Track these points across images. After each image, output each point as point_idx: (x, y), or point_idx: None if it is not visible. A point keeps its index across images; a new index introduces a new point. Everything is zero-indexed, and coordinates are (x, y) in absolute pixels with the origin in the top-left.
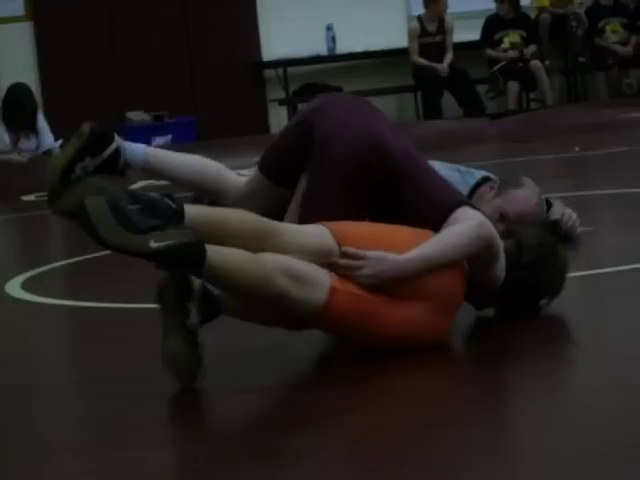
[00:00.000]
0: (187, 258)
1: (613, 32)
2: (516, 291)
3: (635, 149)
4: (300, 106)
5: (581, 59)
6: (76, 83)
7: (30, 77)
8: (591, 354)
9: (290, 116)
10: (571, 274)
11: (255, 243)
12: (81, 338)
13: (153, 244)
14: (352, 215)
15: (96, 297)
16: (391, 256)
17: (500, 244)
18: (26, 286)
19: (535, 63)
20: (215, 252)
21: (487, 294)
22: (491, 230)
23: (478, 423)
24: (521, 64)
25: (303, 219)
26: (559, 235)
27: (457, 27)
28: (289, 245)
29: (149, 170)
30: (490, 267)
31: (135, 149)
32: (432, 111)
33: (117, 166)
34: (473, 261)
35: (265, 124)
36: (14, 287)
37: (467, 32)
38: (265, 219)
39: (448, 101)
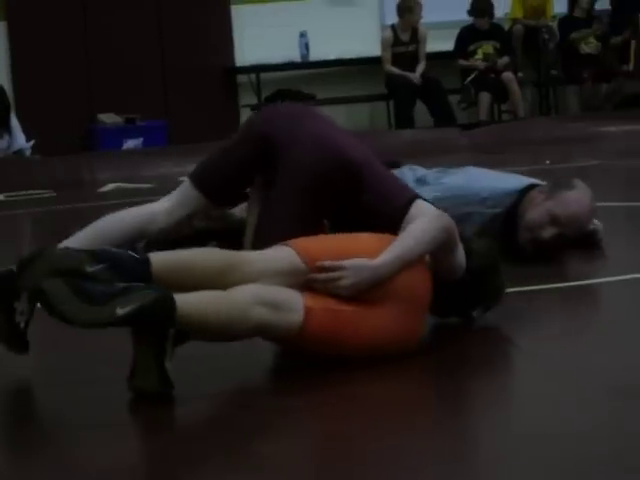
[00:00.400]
0: (157, 317)
1: (586, 44)
2: (452, 290)
3: (605, 162)
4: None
5: (553, 72)
6: (49, 84)
7: (2, 77)
8: (553, 364)
9: None
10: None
11: (225, 278)
12: (44, 341)
13: (119, 311)
14: (313, 224)
15: None
16: (366, 262)
17: (457, 231)
18: None
19: (507, 75)
20: (184, 303)
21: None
22: (449, 219)
23: (440, 432)
24: (493, 75)
25: (264, 233)
26: (594, 242)
27: (431, 37)
28: (260, 273)
29: None
30: (452, 254)
31: None
32: (404, 120)
33: None
34: (437, 252)
35: (236, 129)
36: None
37: (440, 42)
38: (231, 252)
39: (420, 110)
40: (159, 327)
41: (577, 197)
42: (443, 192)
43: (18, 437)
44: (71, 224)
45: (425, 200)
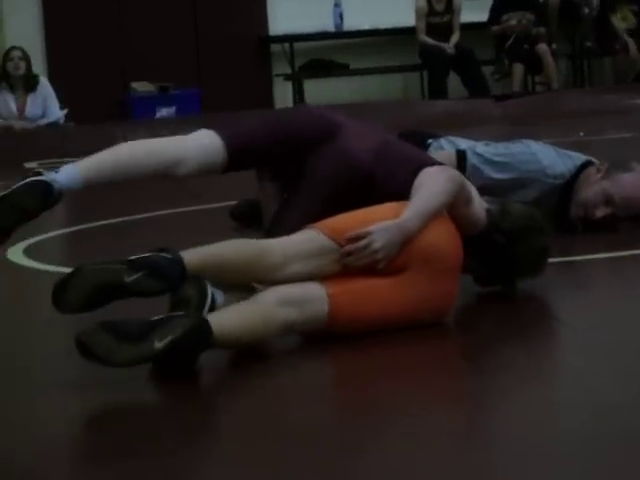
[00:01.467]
0: (194, 344)
1: (623, 19)
2: (490, 256)
3: (638, 135)
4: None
5: (588, 44)
6: (82, 52)
7: (36, 45)
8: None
9: (295, 92)
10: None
11: (255, 268)
12: None
13: (157, 345)
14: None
15: None
16: (390, 222)
17: (467, 183)
18: (28, 253)
19: (541, 46)
20: (218, 326)
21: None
22: (455, 170)
23: (472, 403)
24: (527, 46)
25: (283, 220)
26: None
27: (465, 7)
28: (290, 259)
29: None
30: (469, 206)
31: (68, 179)
32: (437, 91)
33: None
34: (453, 207)
35: (269, 99)
36: (16, 254)
37: (475, 12)
38: (258, 241)
39: (453, 81)
40: (197, 352)
41: (634, 180)
42: (505, 157)
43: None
44: (103, 192)
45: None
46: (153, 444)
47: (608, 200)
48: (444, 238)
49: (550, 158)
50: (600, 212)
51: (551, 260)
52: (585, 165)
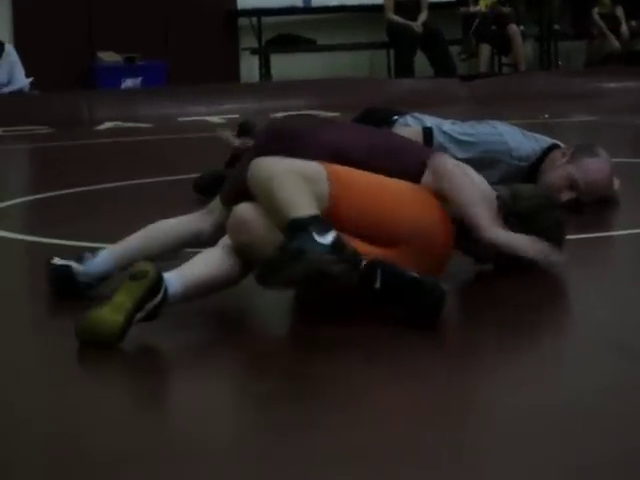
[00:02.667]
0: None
1: (602, 5)
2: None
3: (603, 119)
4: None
5: (556, 26)
6: (49, 20)
7: (3, 13)
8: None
9: (261, 66)
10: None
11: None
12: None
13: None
14: None
15: (59, 234)
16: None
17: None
18: None
19: (512, 27)
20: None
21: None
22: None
23: (463, 380)
24: (494, 27)
25: None
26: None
27: None
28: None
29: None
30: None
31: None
32: (404, 69)
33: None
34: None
35: (236, 72)
36: None
37: None
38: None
39: (420, 60)
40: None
41: (598, 165)
42: (472, 137)
43: None
44: (68, 160)
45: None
46: None
47: (572, 185)
48: (436, 224)
49: (516, 140)
50: (564, 196)
51: None
52: (551, 148)
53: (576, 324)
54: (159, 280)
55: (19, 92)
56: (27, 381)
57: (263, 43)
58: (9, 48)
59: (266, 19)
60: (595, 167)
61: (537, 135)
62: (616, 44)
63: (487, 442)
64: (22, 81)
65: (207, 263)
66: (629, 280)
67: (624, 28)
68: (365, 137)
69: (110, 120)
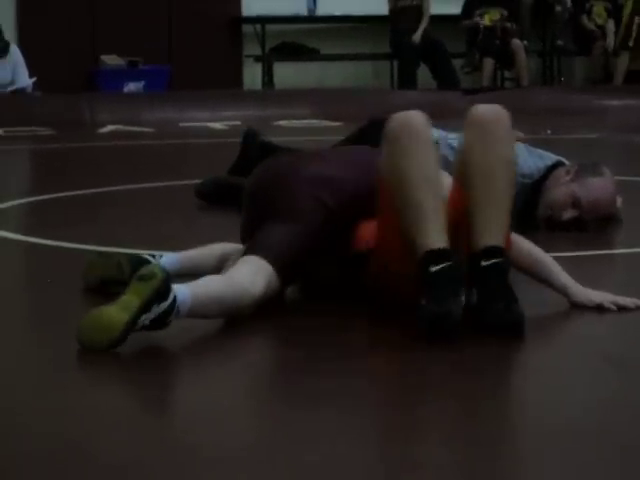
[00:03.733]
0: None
1: (598, 16)
2: None
3: (605, 136)
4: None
5: (559, 42)
6: (53, 21)
7: (8, 13)
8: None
9: (264, 73)
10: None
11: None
12: (38, 276)
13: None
14: None
15: (59, 237)
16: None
17: None
18: None
19: (516, 42)
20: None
21: None
22: None
23: (447, 393)
24: (498, 42)
25: None
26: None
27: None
28: None
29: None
30: None
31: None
32: (407, 81)
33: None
34: None
35: (239, 79)
36: None
37: (447, 5)
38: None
39: (423, 72)
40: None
41: (602, 184)
42: None
43: None
44: (68, 163)
45: None
46: None
47: (575, 203)
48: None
49: (521, 156)
50: (567, 214)
51: None
52: (555, 166)
53: (574, 339)
54: (167, 283)
55: (22, 92)
56: (27, 384)
57: (267, 51)
58: (13, 48)
59: (270, 27)
60: (598, 186)
61: (542, 152)
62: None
63: (487, 456)
64: (25, 81)
65: (219, 280)
66: (630, 297)
67: (609, 41)
68: (350, 164)
69: (112, 123)
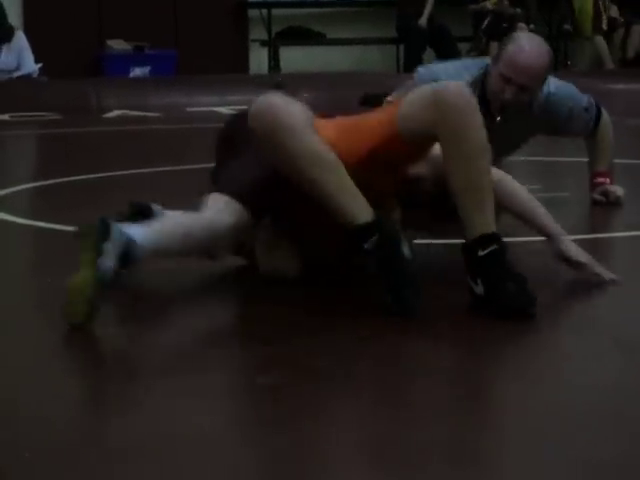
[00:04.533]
0: None
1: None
2: None
3: (613, 120)
4: (250, 57)
5: (566, 26)
6: (59, 6)
7: None
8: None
9: (270, 58)
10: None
11: None
12: (43, 260)
13: None
14: None
15: (64, 221)
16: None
17: None
18: (0, 204)
19: (521, 26)
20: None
21: None
22: None
23: (452, 377)
24: (505, 25)
25: None
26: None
27: None
28: None
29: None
30: None
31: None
32: (413, 65)
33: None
34: None
35: (245, 64)
36: None
37: None
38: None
39: (430, 57)
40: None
41: (517, 48)
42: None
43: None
44: (74, 147)
45: None
46: None
47: (506, 79)
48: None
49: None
50: (508, 94)
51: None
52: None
53: (580, 323)
54: (104, 222)
55: (27, 77)
56: (21, 371)
57: (273, 35)
58: (19, 33)
59: (276, 11)
60: (515, 52)
61: (469, 63)
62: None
63: (498, 440)
64: (31, 66)
65: (185, 215)
66: (632, 282)
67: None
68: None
69: (118, 108)
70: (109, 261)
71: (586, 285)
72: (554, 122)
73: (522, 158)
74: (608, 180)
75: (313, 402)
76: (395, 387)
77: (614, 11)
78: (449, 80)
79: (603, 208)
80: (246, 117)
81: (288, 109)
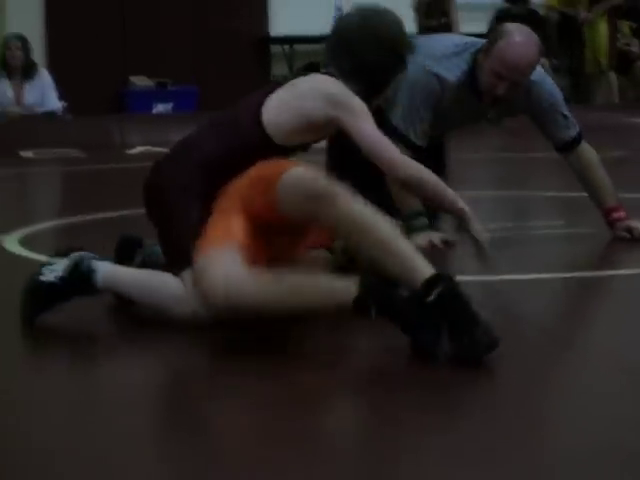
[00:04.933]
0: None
1: (623, 35)
2: None
3: (634, 154)
4: None
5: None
6: (83, 44)
7: (37, 35)
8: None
9: None
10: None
11: None
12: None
13: None
14: None
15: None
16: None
17: None
18: (24, 242)
19: (542, 61)
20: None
21: None
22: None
23: (461, 398)
24: None
25: None
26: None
27: (463, 19)
28: None
29: None
30: None
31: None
32: None
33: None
34: None
35: None
36: (12, 243)
37: (473, 24)
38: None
39: None
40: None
41: (507, 44)
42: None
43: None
44: (99, 184)
45: None
46: None
47: (498, 76)
48: None
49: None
50: (500, 89)
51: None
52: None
53: (591, 351)
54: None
55: (51, 114)
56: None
57: (294, 71)
58: (42, 70)
59: (298, 47)
60: (505, 48)
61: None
62: None
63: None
64: (55, 103)
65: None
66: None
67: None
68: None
69: (141, 144)
70: (52, 269)
71: (595, 317)
72: (535, 107)
73: (544, 194)
74: (623, 214)
75: None
76: None
77: (635, 44)
78: (438, 67)
79: (627, 243)
80: (163, 166)
81: (243, 281)
